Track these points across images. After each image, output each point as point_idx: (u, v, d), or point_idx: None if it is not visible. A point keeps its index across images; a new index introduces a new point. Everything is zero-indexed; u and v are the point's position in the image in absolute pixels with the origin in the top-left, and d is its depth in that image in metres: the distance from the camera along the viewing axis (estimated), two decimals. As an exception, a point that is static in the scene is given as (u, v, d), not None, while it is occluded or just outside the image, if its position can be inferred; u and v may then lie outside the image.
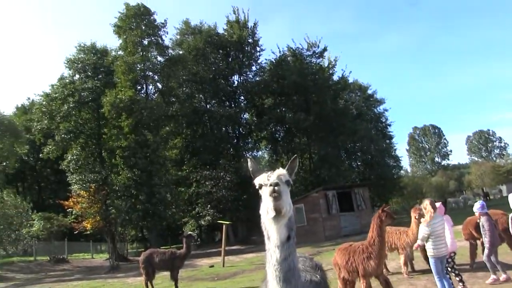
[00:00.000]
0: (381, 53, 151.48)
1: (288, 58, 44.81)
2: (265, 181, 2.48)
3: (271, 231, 2.44)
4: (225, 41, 42.84)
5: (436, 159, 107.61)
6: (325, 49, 44.88)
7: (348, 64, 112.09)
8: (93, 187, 28.81)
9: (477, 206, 9.12)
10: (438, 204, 8.21)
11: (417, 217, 9.24)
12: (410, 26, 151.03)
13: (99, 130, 35.17)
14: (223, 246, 22.55)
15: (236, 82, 44.70)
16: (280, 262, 2.42)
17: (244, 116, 45.64)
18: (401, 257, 10.77)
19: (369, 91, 57.34)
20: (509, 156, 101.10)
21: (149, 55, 35.66)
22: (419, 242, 7.85)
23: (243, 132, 44.42)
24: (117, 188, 32.25)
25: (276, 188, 2.35)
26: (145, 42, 35.50)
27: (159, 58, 36.96)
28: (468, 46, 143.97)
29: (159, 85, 37.78)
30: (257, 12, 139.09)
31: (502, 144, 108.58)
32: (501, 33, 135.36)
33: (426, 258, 10.50)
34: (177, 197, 34.83)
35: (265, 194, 2.43)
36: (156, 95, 37.09)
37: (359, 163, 54.12)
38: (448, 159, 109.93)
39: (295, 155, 2.85)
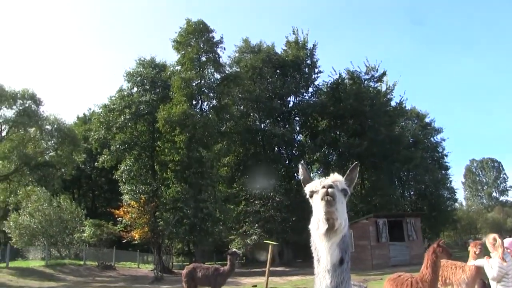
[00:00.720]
0: (442, 81, 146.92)
1: (346, 81, 44.23)
2: (317, 186, 2.19)
3: (321, 250, 2.16)
4: (282, 61, 43.02)
5: (494, 194, 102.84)
6: (384, 74, 44.06)
7: (407, 91, 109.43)
8: (143, 198, 29.20)
9: None
10: (510, 239, 7.45)
11: (477, 252, 8.47)
12: (477, 56, 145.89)
13: (153, 143, 35.84)
14: (267, 266, 21.90)
15: (291, 103, 44.67)
16: None
17: (298, 137, 45.37)
18: (454, 294, 9.91)
19: (427, 119, 55.72)
20: None
21: (206, 71, 36.23)
22: (492, 278, 6.92)
23: (296, 154, 43.95)
24: (166, 201, 32.60)
25: (330, 190, 2.06)
26: (203, 58, 36.10)
27: (216, 75, 37.48)
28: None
29: (214, 102, 38.15)
30: (317, 34, 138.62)
31: None
32: None
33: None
34: (225, 213, 34.69)
35: (317, 202, 2.16)
36: (210, 111, 37.51)
37: (411, 193, 52.54)
38: (507, 195, 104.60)
39: (356, 162, 2.53)
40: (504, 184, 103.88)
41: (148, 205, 28.04)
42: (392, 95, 45.28)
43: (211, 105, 38.42)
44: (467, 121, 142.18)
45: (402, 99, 45.76)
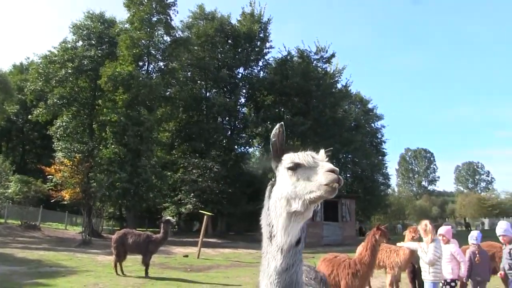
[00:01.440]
0: (388, 71, 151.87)
1: (295, 59, 44.07)
2: (310, 162, 1.93)
3: (280, 227, 1.91)
4: (236, 32, 42.25)
5: (423, 183, 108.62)
6: (333, 55, 44.22)
7: (354, 77, 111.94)
8: (77, 157, 27.95)
9: (474, 237, 8.61)
10: (447, 227, 7.87)
11: (415, 238, 8.74)
12: (424, 51, 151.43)
13: (94, 100, 34.38)
14: (200, 237, 21.87)
15: (240, 75, 44.13)
16: (279, 272, 1.89)
17: (243, 110, 45.04)
18: (387, 277, 10.15)
19: (370, 105, 57.07)
20: (494, 191, 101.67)
21: (156, 33, 34.91)
22: (428, 262, 7.16)
23: (239, 126, 43.71)
24: (101, 162, 31.44)
25: (340, 177, 1.84)
26: (154, 19, 34.72)
27: (165, 38, 36.25)
28: (473, 82, 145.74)
29: (161, 65, 36.99)
30: (272, 11, 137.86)
31: (489, 178, 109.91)
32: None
33: (412, 281, 9.96)
34: (161, 180, 34.02)
35: (302, 181, 1.90)
36: (156, 74, 36.24)
37: (348, 175, 53.84)
38: (435, 185, 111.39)
39: (331, 148, 2.25)
40: (434, 174, 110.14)
41: (82, 165, 26.83)
42: (339, 77, 45.74)
43: (157, 68, 37.19)
44: (407, 111, 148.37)
45: (348, 83, 46.45)
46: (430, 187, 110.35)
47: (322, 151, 2.08)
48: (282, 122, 2.09)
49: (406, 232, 9.89)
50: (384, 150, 56.71)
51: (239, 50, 42.65)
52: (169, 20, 35.59)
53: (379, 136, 56.91)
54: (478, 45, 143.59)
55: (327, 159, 2.03)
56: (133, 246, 13.33)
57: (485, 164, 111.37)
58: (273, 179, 2.12)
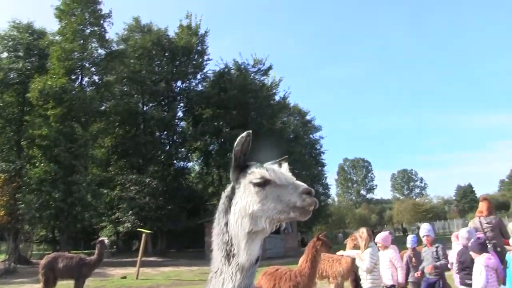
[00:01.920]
0: (325, 83, 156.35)
1: (232, 71, 44.02)
2: (282, 179, 1.87)
3: (243, 247, 1.84)
4: (173, 45, 41.61)
5: (362, 191, 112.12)
6: (270, 68, 44.52)
7: (292, 89, 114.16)
8: (2, 177, 26.15)
9: (409, 241, 9.11)
10: (383, 234, 8.01)
11: (356, 246, 8.71)
12: (357, 62, 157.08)
13: (22, 116, 32.55)
14: (139, 256, 20.99)
15: (178, 88, 43.46)
16: None
17: (181, 124, 44.35)
18: (331, 286, 10.09)
19: (308, 117, 57.95)
20: (427, 196, 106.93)
21: (89, 45, 33.66)
22: (365, 270, 7.13)
23: (177, 140, 42.94)
24: (30, 181, 29.55)
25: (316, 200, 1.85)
26: (87, 31, 33.47)
27: (100, 51, 35.02)
28: (406, 91, 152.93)
29: (96, 78, 35.63)
30: (209, 24, 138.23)
31: (423, 184, 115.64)
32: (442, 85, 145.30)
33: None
34: (97, 198, 32.55)
35: (270, 199, 1.84)
36: (91, 88, 34.84)
37: (288, 186, 54.29)
38: (373, 193, 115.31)
39: (286, 156, 2.25)
40: (372, 183, 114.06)
41: (8, 185, 25.10)
42: (277, 89, 46.06)
43: (91, 81, 35.80)
44: (344, 122, 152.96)
45: (286, 94, 46.88)
46: (369, 195, 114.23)
47: (285, 165, 2.00)
48: (250, 131, 1.92)
49: (347, 241, 9.95)
50: (323, 160, 57.72)
51: (177, 63, 41.98)
52: (103, 32, 34.44)
53: (318, 147, 57.82)
54: (410, 55, 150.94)
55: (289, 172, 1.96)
56: (64, 270, 12.40)
57: (418, 171, 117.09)
58: (228, 190, 1.98)
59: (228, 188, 2.04)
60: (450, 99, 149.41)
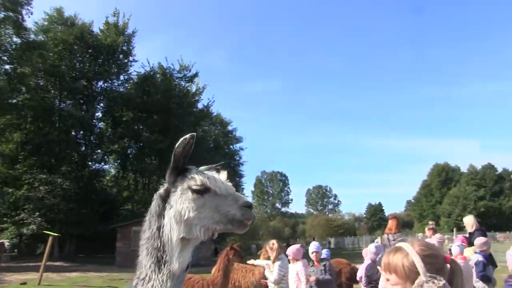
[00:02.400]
0: (248, 95, 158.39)
1: (157, 75, 43.14)
2: (222, 189, 1.85)
3: (177, 253, 1.79)
4: (98, 42, 39.89)
5: (277, 205, 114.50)
6: (196, 74, 44.41)
7: (215, 99, 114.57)
8: None
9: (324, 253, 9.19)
10: (294, 247, 8.00)
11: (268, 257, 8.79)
12: (280, 77, 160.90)
13: None
14: (43, 261, 19.63)
15: (99, 88, 41.68)
16: None
17: (99, 124, 42.61)
18: (243, 296, 10.08)
19: (229, 127, 58.32)
20: (340, 212, 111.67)
21: (3, 31, 31.34)
22: (273, 281, 7.24)
23: (94, 141, 41.18)
24: None
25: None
26: (0, 15, 31.09)
27: (15, 39, 32.69)
28: (325, 110, 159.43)
29: (8, 68, 33.17)
30: (137, 24, 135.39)
31: (336, 201, 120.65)
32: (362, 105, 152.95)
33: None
34: (0, 198, 30.20)
35: (208, 207, 1.80)
36: (2, 77, 32.42)
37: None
38: (288, 207, 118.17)
39: (223, 162, 2.28)
40: (287, 197, 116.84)
41: None
42: (200, 97, 45.87)
43: (3, 71, 33.30)
44: (264, 135, 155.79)
45: (209, 103, 46.75)
46: (284, 209, 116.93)
47: (224, 173, 1.98)
48: (195, 133, 1.86)
49: (261, 251, 9.97)
50: (241, 172, 58.25)
51: (100, 61, 40.30)
52: (20, 20, 32.19)
53: (237, 158, 58.34)
54: (331, 75, 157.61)
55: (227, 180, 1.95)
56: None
57: (333, 188, 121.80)
58: (162, 192, 1.91)
59: (162, 190, 1.96)
60: (366, 121, 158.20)
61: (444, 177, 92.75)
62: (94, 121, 40.67)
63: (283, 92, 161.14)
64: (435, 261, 1.68)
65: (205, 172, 1.92)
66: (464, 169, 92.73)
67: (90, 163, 40.08)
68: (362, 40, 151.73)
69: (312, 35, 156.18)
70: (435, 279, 1.57)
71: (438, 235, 10.73)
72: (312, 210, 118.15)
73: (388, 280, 1.73)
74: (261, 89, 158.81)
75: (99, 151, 41.51)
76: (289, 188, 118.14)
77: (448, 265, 1.72)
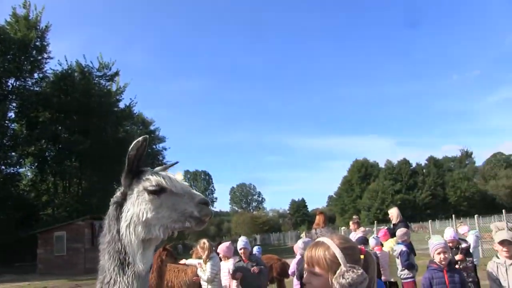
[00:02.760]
0: (171, 95, 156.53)
1: (76, 74, 41.18)
2: (177, 188, 1.88)
3: (139, 254, 1.82)
4: (6, 36, 36.72)
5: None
6: (117, 73, 43.06)
7: (136, 98, 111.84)
8: None
9: (256, 251, 9.45)
10: (225, 245, 8.14)
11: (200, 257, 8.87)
12: (201, 76, 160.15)
13: None
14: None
15: (10, 86, 38.93)
16: None
17: (12, 126, 39.90)
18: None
19: (152, 127, 57.26)
20: (264, 209, 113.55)
21: None
22: (206, 280, 7.39)
23: (7, 143, 38.51)
24: None
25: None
26: None
27: None
28: (247, 109, 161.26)
29: None
30: (52, 19, 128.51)
31: (260, 198, 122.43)
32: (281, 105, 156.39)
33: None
34: None
35: (165, 207, 1.84)
36: None
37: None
38: (213, 206, 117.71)
39: (177, 161, 2.32)
40: (212, 196, 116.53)
41: None
42: (122, 96, 44.53)
43: None
44: (187, 134, 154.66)
45: (131, 103, 45.52)
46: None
47: (179, 174, 2.00)
48: (147, 136, 1.93)
49: (193, 251, 10.08)
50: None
51: (9, 57, 37.34)
52: None
53: (161, 158, 57.22)
54: (252, 74, 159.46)
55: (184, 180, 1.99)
56: None
57: (256, 186, 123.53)
58: (118, 195, 1.93)
59: (118, 194, 1.99)
60: (287, 120, 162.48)
61: (363, 172, 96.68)
62: (6, 122, 37.96)
63: (204, 92, 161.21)
64: (353, 253, 1.84)
65: (160, 172, 1.96)
66: (382, 164, 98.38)
67: (3, 167, 37.58)
68: (282, 39, 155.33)
69: (233, 34, 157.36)
70: (354, 268, 1.74)
71: (362, 229, 11.46)
72: (236, 208, 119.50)
73: (311, 272, 1.87)
74: (182, 88, 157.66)
75: (13, 154, 38.88)
76: (213, 186, 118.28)
77: (363, 256, 1.87)
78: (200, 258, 9.01)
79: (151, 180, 1.87)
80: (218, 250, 7.95)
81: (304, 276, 1.91)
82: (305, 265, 1.98)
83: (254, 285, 6.91)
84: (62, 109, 38.66)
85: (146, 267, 1.83)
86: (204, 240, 7.62)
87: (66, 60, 41.05)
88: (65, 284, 20.28)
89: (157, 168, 2.07)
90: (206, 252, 7.37)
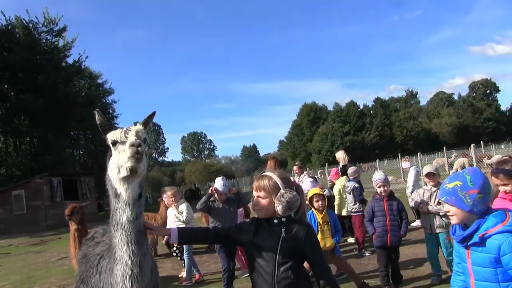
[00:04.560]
0: (116, 45, 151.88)
1: (19, 30, 39.78)
2: (122, 138, 2.32)
3: (122, 188, 2.32)
4: None
5: (154, 155, 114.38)
6: (64, 28, 41.46)
7: (82, 51, 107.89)
8: None
9: None
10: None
11: (167, 203, 9.10)
12: (145, 26, 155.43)
13: None
14: None
15: None
16: (131, 221, 2.34)
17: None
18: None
19: (100, 80, 56.34)
20: (216, 157, 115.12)
21: None
22: (185, 219, 7.91)
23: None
24: None
25: (139, 149, 2.21)
26: None
27: None
28: (193, 58, 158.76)
29: None
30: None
31: (212, 146, 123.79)
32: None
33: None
34: None
35: (121, 153, 2.30)
36: None
37: (81, 152, 53.38)
38: (165, 156, 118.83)
39: (154, 111, 2.69)
40: (163, 146, 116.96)
41: None
42: (70, 52, 43.50)
43: None
44: (135, 86, 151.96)
45: (81, 58, 44.54)
46: (160, 159, 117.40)
47: (136, 126, 2.39)
48: (98, 110, 2.63)
49: (161, 199, 10.50)
50: (116, 125, 56.73)
51: None
52: None
53: (111, 111, 56.71)
54: (196, 22, 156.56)
55: (142, 127, 2.40)
56: None
57: (207, 134, 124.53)
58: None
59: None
60: (233, 66, 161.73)
61: (312, 116, 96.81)
62: None
63: (149, 41, 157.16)
64: (288, 182, 2.66)
65: (121, 127, 2.45)
66: (330, 107, 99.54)
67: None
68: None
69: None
70: (290, 190, 2.58)
71: (305, 173, 12.07)
72: (188, 157, 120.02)
73: (259, 196, 2.64)
74: (126, 38, 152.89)
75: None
76: (163, 137, 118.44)
77: (295, 187, 2.69)
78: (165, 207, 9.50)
79: (109, 136, 2.39)
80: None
81: (253, 200, 2.69)
82: (253, 192, 2.70)
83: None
84: (7, 66, 37.48)
85: (133, 195, 2.32)
86: (171, 187, 8.58)
87: (4, 16, 38.86)
88: (29, 241, 20.05)
89: (140, 121, 2.54)
90: (179, 196, 8.22)
